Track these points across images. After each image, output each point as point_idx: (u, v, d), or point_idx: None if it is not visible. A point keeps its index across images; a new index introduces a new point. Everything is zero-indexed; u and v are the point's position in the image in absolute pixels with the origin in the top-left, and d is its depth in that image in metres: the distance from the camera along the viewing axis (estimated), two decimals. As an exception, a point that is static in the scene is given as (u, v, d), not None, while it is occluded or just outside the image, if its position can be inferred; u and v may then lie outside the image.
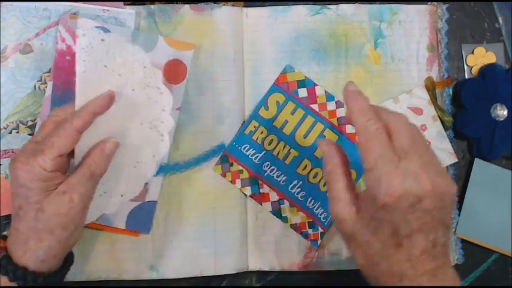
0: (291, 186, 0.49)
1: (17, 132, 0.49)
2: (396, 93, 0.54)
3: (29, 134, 0.49)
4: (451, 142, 0.53)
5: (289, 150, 0.49)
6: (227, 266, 0.50)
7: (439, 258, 0.34)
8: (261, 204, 0.50)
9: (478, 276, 0.53)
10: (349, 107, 0.37)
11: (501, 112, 0.53)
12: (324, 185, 0.49)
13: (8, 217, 0.50)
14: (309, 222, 0.49)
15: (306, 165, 0.49)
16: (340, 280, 0.52)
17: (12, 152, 0.49)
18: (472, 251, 0.53)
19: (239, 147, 0.50)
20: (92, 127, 0.40)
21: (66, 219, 0.36)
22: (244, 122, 0.51)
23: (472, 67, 0.56)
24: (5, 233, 0.39)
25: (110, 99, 0.40)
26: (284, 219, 0.49)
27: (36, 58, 0.50)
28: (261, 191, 0.50)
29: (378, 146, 0.34)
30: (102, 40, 0.42)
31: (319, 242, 0.49)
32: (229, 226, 0.51)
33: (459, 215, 0.53)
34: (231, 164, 0.50)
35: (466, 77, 0.56)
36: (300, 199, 0.49)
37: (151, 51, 0.50)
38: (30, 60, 0.50)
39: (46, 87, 0.49)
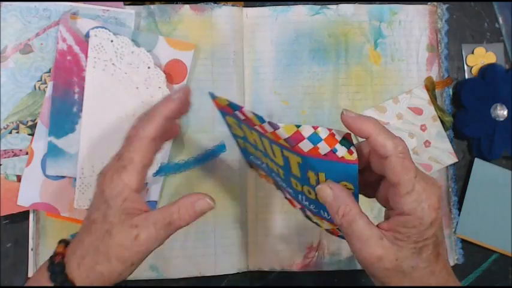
0: (299, 199, 0.41)
1: (17, 132, 0.49)
2: (396, 93, 0.54)
3: (29, 134, 0.49)
4: (451, 142, 0.53)
5: (276, 168, 0.40)
6: (227, 266, 0.50)
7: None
8: (295, 207, 0.44)
9: (478, 276, 0.53)
10: (366, 132, 0.33)
11: (501, 112, 0.53)
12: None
13: (7, 217, 0.50)
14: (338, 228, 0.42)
15: (296, 183, 0.39)
16: (340, 280, 0.52)
17: (12, 152, 0.49)
18: (472, 251, 0.53)
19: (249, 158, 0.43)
20: (97, 123, 0.41)
21: (126, 254, 0.34)
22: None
23: (472, 67, 0.56)
24: (68, 238, 0.38)
25: (182, 104, 0.37)
26: (317, 224, 0.43)
27: (36, 58, 0.50)
28: (287, 196, 0.44)
29: (414, 167, 0.32)
30: (111, 41, 0.48)
31: None
32: (229, 226, 0.51)
33: (459, 215, 0.53)
34: (257, 170, 0.45)
35: (466, 77, 0.56)
36: (315, 210, 0.41)
37: (152, 51, 0.50)
38: (30, 60, 0.50)
39: (46, 87, 0.49)
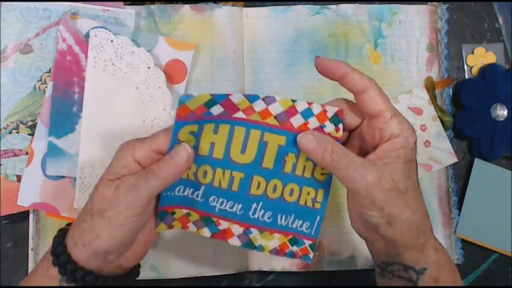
0: (251, 212, 0.39)
1: (17, 132, 0.49)
2: (396, 93, 0.54)
3: (29, 134, 0.49)
4: (451, 142, 0.53)
5: (230, 174, 0.37)
6: (227, 266, 0.50)
7: None
8: (227, 242, 0.39)
9: (478, 276, 0.53)
10: (340, 71, 0.35)
11: (501, 112, 0.53)
12: (290, 195, 0.38)
13: (7, 217, 0.50)
14: (289, 240, 0.40)
15: (258, 183, 0.38)
16: (340, 280, 0.52)
17: (12, 152, 0.49)
18: (472, 251, 0.53)
19: (172, 193, 0.37)
20: (97, 123, 0.41)
21: (106, 207, 0.33)
22: None
23: (472, 67, 0.56)
24: None
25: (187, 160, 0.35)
26: (260, 249, 0.39)
27: (36, 58, 0.50)
28: (220, 228, 0.39)
29: (385, 97, 0.35)
30: (111, 41, 0.48)
31: (311, 255, 0.40)
32: (229, 226, 0.51)
33: (459, 215, 0.53)
34: (173, 213, 0.39)
35: (466, 77, 0.56)
36: (268, 221, 0.39)
37: (152, 51, 0.50)
38: (30, 60, 0.50)
39: (46, 87, 0.49)
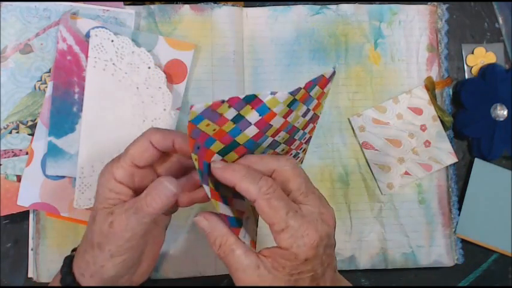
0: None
1: (17, 132, 0.49)
2: (396, 93, 0.54)
3: (29, 134, 0.49)
4: (451, 142, 0.53)
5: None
6: (227, 266, 0.50)
7: (338, 277, 0.35)
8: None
9: (478, 276, 0.53)
10: (231, 182, 0.33)
11: (501, 112, 0.53)
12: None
13: (7, 217, 0.50)
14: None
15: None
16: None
17: (12, 152, 0.49)
18: (472, 251, 0.53)
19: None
20: (97, 123, 0.41)
21: (104, 241, 0.34)
22: None
23: (472, 67, 0.56)
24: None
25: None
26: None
27: (36, 58, 0.50)
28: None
29: (282, 204, 0.32)
30: (112, 41, 0.48)
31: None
32: (229, 226, 0.51)
33: (459, 215, 0.53)
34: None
35: (466, 77, 0.56)
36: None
37: (152, 51, 0.50)
38: (30, 60, 0.50)
39: (46, 87, 0.49)
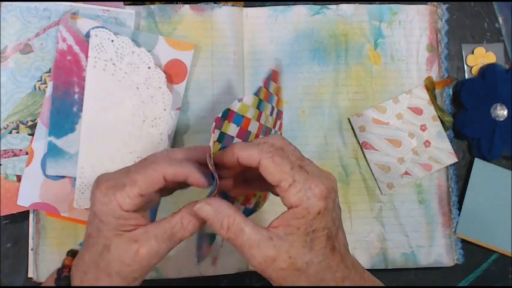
0: None
1: (17, 132, 0.49)
2: (396, 93, 0.54)
3: (29, 134, 0.49)
4: (451, 142, 0.53)
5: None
6: (227, 266, 0.50)
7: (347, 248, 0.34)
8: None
9: (478, 276, 0.53)
10: (232, 156, 0.33)
11: (501, 112, 0.53)
12: None
13: (7, 217, 0.50)
14: None
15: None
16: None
17: (12, 152, 0.49)
18: (472, 251, 0.53)
19: None
20: (97, 123, 0.41)
21: (127, 270, 0.33)
22: None
23: (472, 67, 0.56)
24: (76, 247, 0.37)
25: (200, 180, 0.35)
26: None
27: (36, 58, 0.50)
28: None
29: (286, 160, 0.32)
30: (112, 41, 0.48)
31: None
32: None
33: (459, 215, 0.53)
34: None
35: (466, 77, 0.56)
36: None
37: (152, 51, 0.50)
38: (30, 60, 0.50)
39: (46, 87, 0.49)
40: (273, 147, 0.32)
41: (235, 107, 0.34)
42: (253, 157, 0.32)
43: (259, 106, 0.35)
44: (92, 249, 0.34)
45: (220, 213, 0.32)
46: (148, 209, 0.37)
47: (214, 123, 0.33)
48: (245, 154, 0.33)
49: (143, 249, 0.32)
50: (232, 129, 0.34)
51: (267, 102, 0.36)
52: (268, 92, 0.36)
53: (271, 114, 0.38)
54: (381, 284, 0.36)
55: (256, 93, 0.34)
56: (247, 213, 0.39)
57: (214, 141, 0.33)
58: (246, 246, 0.31)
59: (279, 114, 0.40)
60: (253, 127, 0.35)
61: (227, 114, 0.34)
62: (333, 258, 0.32)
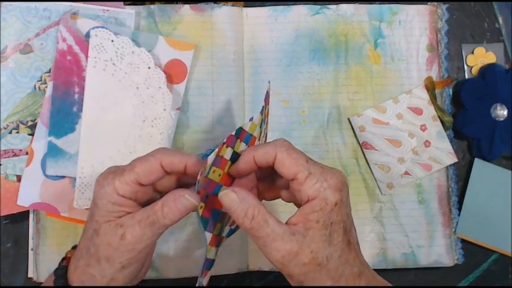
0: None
1: (17, 132, 0.49)
2: (396, 93, 0.54)
3: (29, 134, 0.49)
4: (451, 142, 0.53)
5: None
6: (227, 266, 0.50)
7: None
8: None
9: (478, 276, 0.53)
10: (250, 161, 0.34)
11: (501, 112, 0.53)
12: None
13: (7, 217, 0.50)
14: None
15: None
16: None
17: (12, 152, 0.49)
18: (472, 251, 0.53)
19: None
20: (97, 123, 0.41)
21: (114, 254, 0.33)
22: None
23: (472, 67, 0.56)
24: None
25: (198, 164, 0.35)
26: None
27: (36, 58, 0.50)
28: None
29: (301, 154, 0.33)
30: (112, 41, 0.48)
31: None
32: (229, 226, 0.51)
33: (459, 215, 0.53)
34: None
35: (466, 77, 0.56)
36: None
37: (152, 51, 0.50)
38: (30, 60, 0.50)
39: (46, 87, 0.49)
40: (286, 142, 0.33)
41: (247, 126, 0.34)
42: (269, 153, 0.33)
43: (261, 125, 0.36)
44: (85, 234, 0.35)
45: (246, 202, 0.32)
46: (147, 204, 0.37)
47: (225, 140, 0.33)
48: (261, 151, 0.33)
49: (128, 234, 0.33)
50: (242, 148, 0.35)
51: (266, 122, 0.37)
52: (268, 109, 0.36)
53: (265, 135, 0.39)
54: (389, 284, 0.36)
55: (261, 111, 0.35)
56: (230, 233, 0.39)
57: (227, 160, 0.34)
58: (269, 239, 0.31)
59: (266, 136, 0.41)
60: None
61: (240, 133, 0.34)
62: (349, 253, 0.33)
